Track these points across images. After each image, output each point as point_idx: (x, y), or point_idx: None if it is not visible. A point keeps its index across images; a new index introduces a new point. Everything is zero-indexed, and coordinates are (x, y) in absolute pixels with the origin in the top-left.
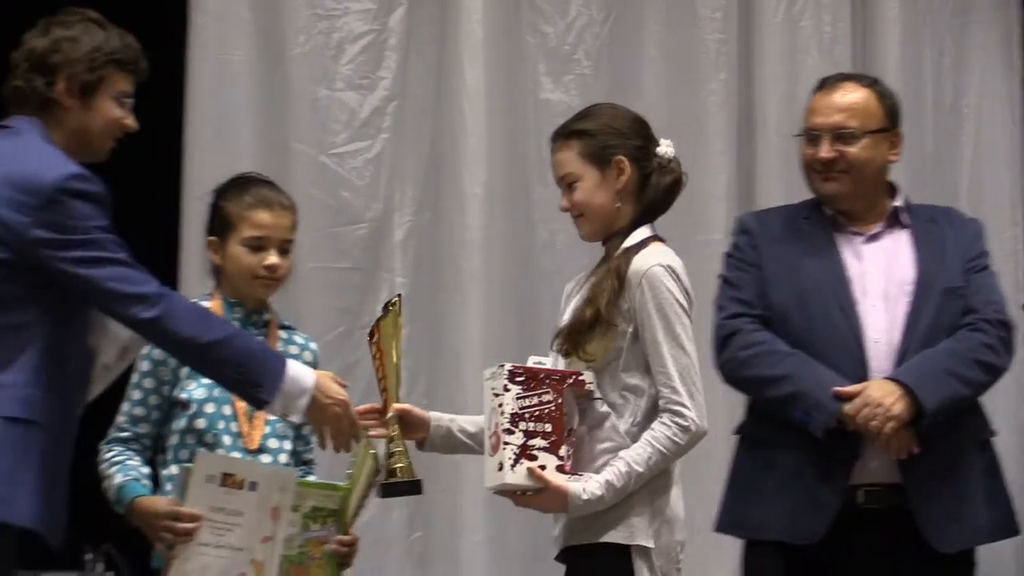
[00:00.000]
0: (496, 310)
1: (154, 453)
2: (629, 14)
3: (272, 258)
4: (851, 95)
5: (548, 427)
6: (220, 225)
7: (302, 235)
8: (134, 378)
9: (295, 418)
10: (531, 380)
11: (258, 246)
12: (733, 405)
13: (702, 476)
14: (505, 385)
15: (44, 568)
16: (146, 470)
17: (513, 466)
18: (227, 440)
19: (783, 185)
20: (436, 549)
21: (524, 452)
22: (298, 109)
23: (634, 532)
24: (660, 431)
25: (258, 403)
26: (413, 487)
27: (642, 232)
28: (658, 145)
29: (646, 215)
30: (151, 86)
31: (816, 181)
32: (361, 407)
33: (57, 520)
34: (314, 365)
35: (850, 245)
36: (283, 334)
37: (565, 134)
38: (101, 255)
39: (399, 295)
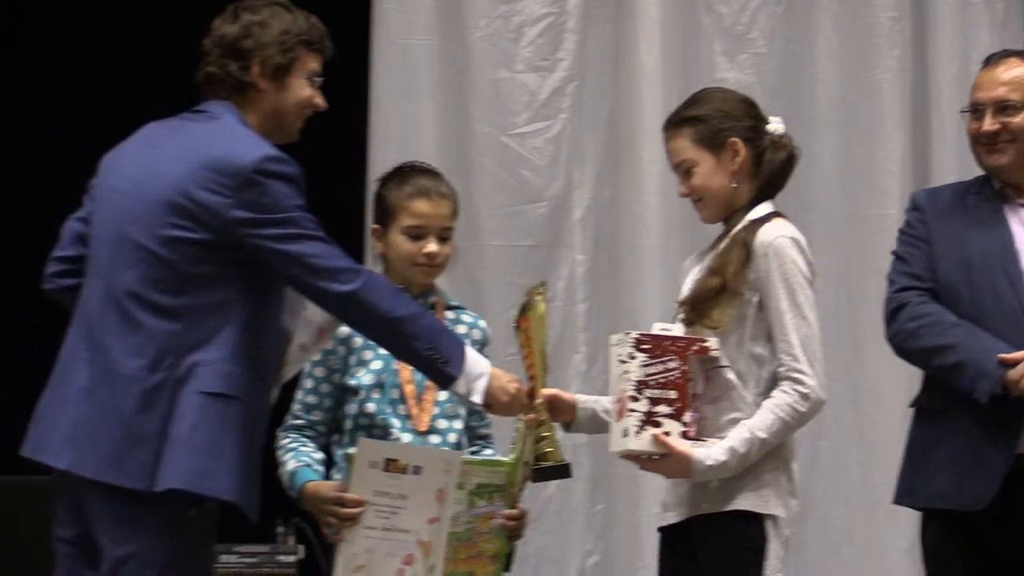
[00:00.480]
0: (674, 286)
1: (329, 437)
2: None
3: (431, 246)
4: (1014, 70)
5: (673, 394)
6: (382, 214)
7: (485, 214)
8: (306, 367)
9: (476, 398)
10: (656, 347)
11: (417, 235)
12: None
13: (881, 450)
14: (631, 352)
15: (237, 541)
16: (319, 455)
17: (637, 432)
18: (397, 423)
19: (957, 161)
20: (618, 521)
21: (649, 419)
22: (480, 91)
23: (768, 501)
24: (781, 399)
25: (447, 378)
26: (562, 471)
27: (763, 208)
28: (768, 123)
29: (764, 192)
30: (336, 72)
31: (982, 154)
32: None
33: (254, 494)
34: (484, 343)
35: (1018, 216)
36: (450, 315)
37: (677, 122)
38: (300, 232)
39: (543, 281)
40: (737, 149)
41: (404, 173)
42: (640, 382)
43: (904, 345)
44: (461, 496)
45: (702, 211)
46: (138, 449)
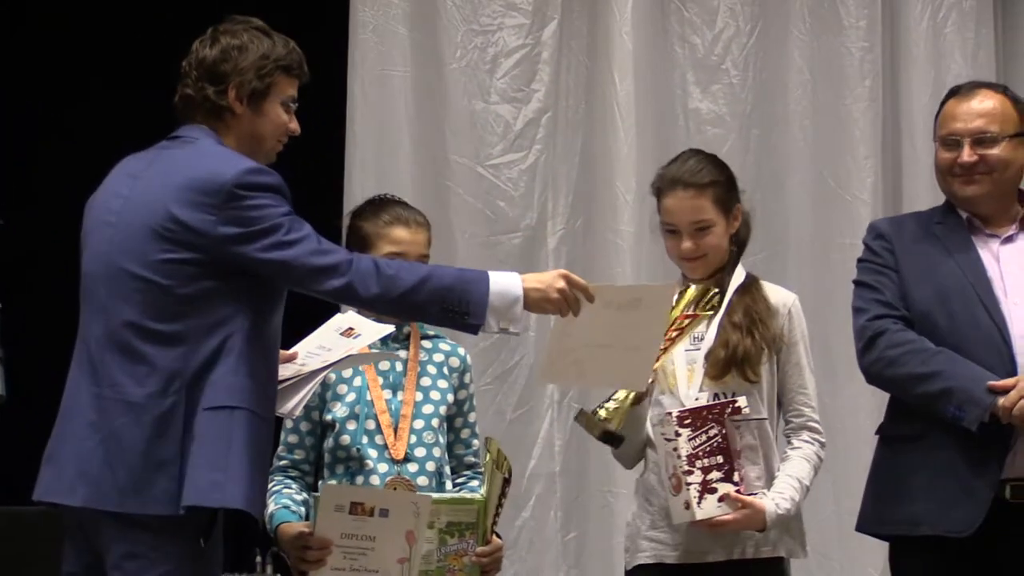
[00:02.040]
0: None
1: (315, 475)
2: (775, 24)
3: None
4: (987, 101)
5: (720, 458)
6: (358, 244)
7: (461, 244)
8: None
9: (515, 328)
10: (696, 419)
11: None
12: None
13: (852, 478)
14: (675, 430)
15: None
16: (300, 496)
17: (699, 503)
18: (373, 453)
19: (929, 188)
20: (591, 549)
21: (705, 487)
22: (456, 122)
23: (802, 546)
24: (808, 449)
25: (470, 328)
26: (618, 441)
27: (741, 268)
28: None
29: (740, 253)
30: (313, 101)
31: (955, 185)
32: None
33: (262, 502)
34: (462, 372)
35: (986, 247)
36: (427, 343)
37: (704, 183)
38: (288, 237)
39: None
40: (737, 215)
41: (378, 203)
42: (690, 456)
43: (884, 373)
44: (431, 535)
45: (699, 268)
46: (160, 475)
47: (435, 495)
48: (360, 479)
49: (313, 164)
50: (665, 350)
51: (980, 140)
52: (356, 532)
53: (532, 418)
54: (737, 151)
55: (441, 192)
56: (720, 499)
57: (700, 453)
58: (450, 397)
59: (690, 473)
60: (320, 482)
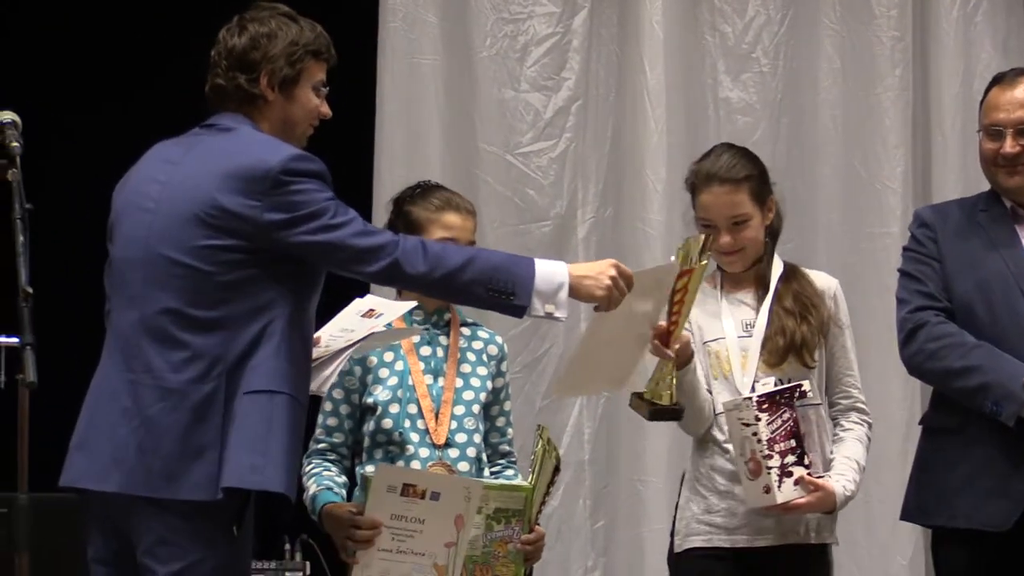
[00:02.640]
0: None
1: (352, 459)
2: (806, 12)
3: None
4: None
5: (793, 442)
6: (408, 229)
7: (490, 232)
8: (325, 390)
9: (560, 313)
10: (772, 404)
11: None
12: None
13: (882, 466)
14: (755, 415)
15: None
16: (341, 479)
17: (779, 486)
18: (415, 437)
19: (959, 179)
20: (619, 538)
21: (783, 471)
22: (485, 110)
23: (832, 533)
24: (860, 431)
25: (516, 311)
26: (676, 413)
27: (778, 258)
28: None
29: (774, 243)
30: (343, 90)
31: (999, 175)
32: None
33: (296, 488)
34: (500, 359)
35: None
36: (466, 331)
37: (740, 178)
38: (335, 221)
39: (708, 235)
40: (771, 207)
41: (426, 189)
42: (770, 440)
43: (924, 366)
44: (479, 520)
45: (737, 262)
46: (198, 461)
47: (486, 481)
48: (400, 463)
49: (342, 152)
50: (675, 320)
51: (1023, 130)
52: (406, 514)
53: (562, 406)
54: (767, 140)
55: (470, 181)
56: (796, 482)
57: (777, 437)
58: (489, 384)
59: (770, 457)
60: (357, 467)
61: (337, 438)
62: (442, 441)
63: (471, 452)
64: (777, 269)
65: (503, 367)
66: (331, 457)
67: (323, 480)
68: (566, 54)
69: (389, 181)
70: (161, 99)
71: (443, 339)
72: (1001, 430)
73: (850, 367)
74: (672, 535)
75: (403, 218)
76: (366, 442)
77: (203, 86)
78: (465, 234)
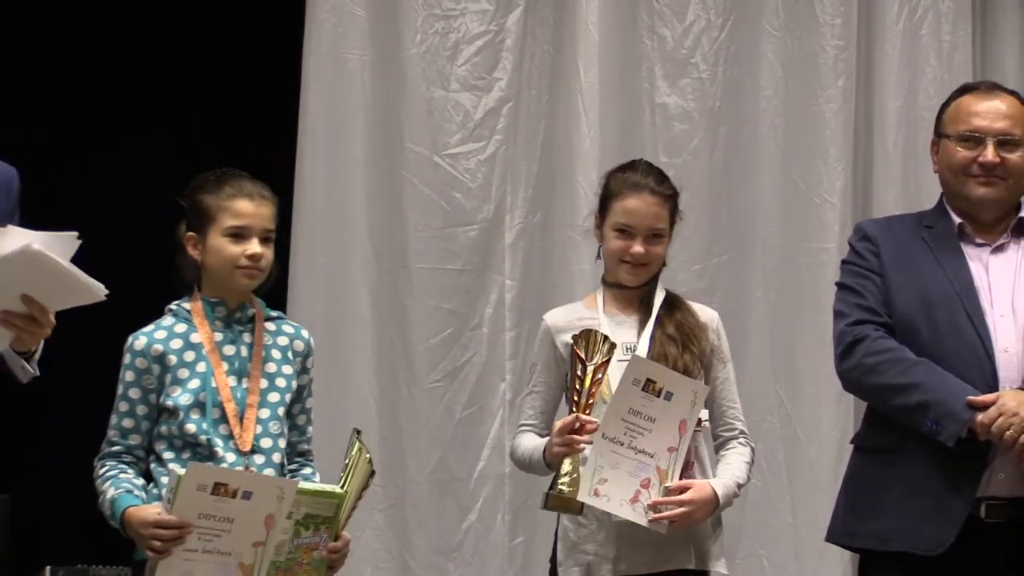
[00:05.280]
0: None
1: (148, 461)
2: (747, 18)
3: (255, 247)
4: (1009, 103)
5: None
6: (199, 219)
7: (413, 236)
8: (119, 389)
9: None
10: None
11: (239, 235)
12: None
13: (813, 489)
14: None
15: (96, 562)
16: (139, 481)
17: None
18: (219, 443)
19: (900, 194)
20: (538, 556)
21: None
22: (413, 109)
23: (725, 562)
24: (746, 452)
25: None
26: (578, 507)
27: (661, 285)
28: None
29: (660, 271)
30: (265, 84)
31: (969, 185)
32: (562, 423)
33: None
34: (306, 356)
35: (976, 255)
36: (270, 325)
37: (667, 195)
38: None
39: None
40: (672, 231)
41: (221, 176)
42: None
43: (862, 381)
44: (287, 525)
45: (640, 275)
46: None
47: (301, 483)
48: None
49: (262, 147)
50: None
51: (1004, 142)
52: (215, 513)
53: (483, 418)
54: (704, 148)
55: (395, 182)
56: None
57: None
58: (294, 383)
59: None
60: (153, 466)
61: (133, 440)
62: (248, 448)
63: (276, 458)
64: (660, 295)
65: (308, 363)
66: (127, 460)
67: (121, 483)
68: (499, 53)
69: (311, 178)
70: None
71: (247, 336)
72: (938, 450)
73: (733, 400)
74: (553, 562)
75: (194, 207)
76: (161, 445)
77: None
78: (259, 222)
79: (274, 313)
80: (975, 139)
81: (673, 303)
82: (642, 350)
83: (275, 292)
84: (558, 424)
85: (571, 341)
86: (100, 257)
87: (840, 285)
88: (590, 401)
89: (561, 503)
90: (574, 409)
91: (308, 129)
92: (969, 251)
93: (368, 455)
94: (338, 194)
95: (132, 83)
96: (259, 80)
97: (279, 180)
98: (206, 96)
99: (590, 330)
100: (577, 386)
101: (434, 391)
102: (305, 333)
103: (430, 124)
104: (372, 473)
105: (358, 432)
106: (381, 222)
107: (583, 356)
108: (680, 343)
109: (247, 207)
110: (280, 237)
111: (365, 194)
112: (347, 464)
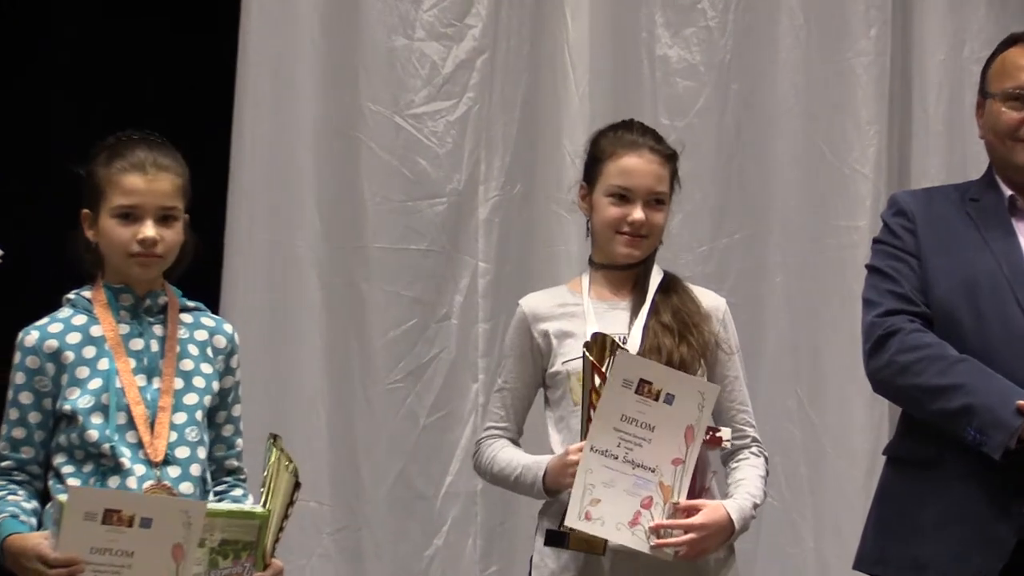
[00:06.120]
0: None
1: (46, 477)
2: None
3: (147, 230)
4: None
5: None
6: (92, 195)
7: (372, 209)
8: (9, 394)
9: None
10: None
11: (129, 215)
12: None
13: (839, 506)
14: None
15: None
16: (31, 504)
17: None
18: (126, 452)
19: (943, 163)
20: None
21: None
22: (371, 61)
23: None
24: (760, 464)
25: None
26: (602, 545)
27: (658, 266)
28: None
29: (656, 249)
30: (200, 28)
31: (1018, 150)
32: (577, 447)
33: None
34: (229, 353)
35: None
36: (187, 317)
37: (669, 154)
38: None
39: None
40: (670, 207)
41: (116, 144)
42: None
43: (894, 381)
44: (201, 555)
45: (639, 248)
46: None
47: (210, 504)
48: (115, 481)
49: (195, 104)
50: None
51: None
52: (110, 546)
53: (451, 424)
54: (712, 109)
55: (350, 145)
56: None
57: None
58: (215, 385)
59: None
60: (52, 482)
61: (25, 453)
62: (160, 457)
63: (195, 470)
64: (656, 278)
65: (233, 362)
66: (18, 478)
67: (6, 506)
68: None
69: (250, 141)
70: None
71: (158, 329)
72: (984, 464)
73: (743, 400)
74: None
75: (87, 181)
76: (60, 459)
77: None
78: (152, 199)
79: (191, 303)
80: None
81: (670, 286)
82: (634, 340)
83: (208, 275)
84: (575, 447)
85: (584, 350)
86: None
87: (871, 268)
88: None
89: (585, 543)
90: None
91: (248, 83)
92: (1021, 228)
93: (291, 464)
94: (282, 160)
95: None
96: (191, 25)
97: (214, 142)
98: (127, 40)
99: (604, 336)
100: (595, 401)
101: (394, 393)
102: (228, 327)
103: (391, 79)
104: (297, 485)
105: (274, 437)
106: (332, 193)
107: (601, 367)
108: (677, 333)
109: (137, 183)
110: (215, 210)
111: (314, 160)
112: (265, 477)
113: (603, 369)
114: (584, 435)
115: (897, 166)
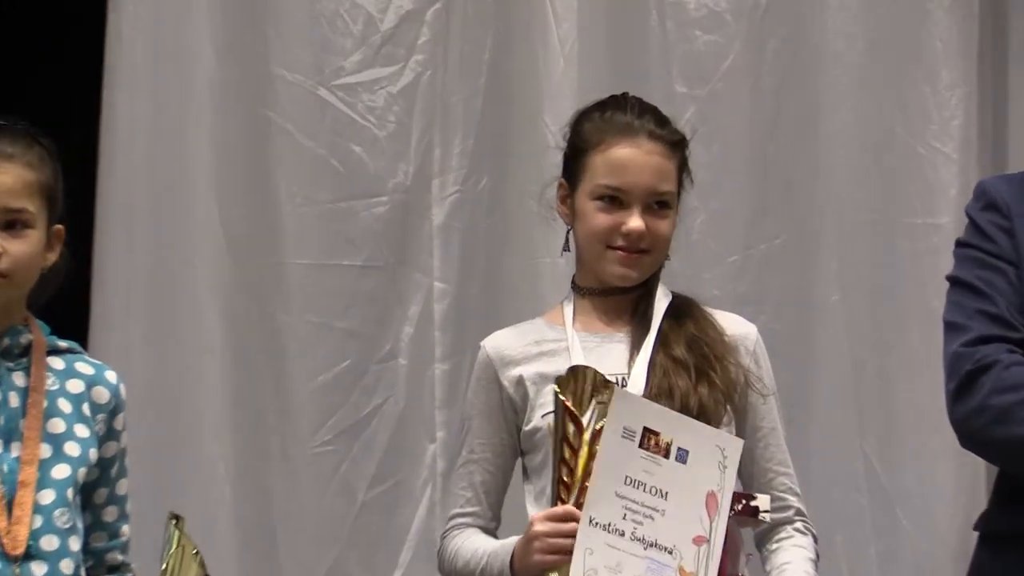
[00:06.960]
0: None
1: None
2: None
3: None
4: None
5: None
6: None
7: (290, 212)
8: None
9: None
10: None
11: None
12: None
13: None
14: None
15: None
16: None
17: None
18: None
19: None
20: None
21: None
22: (285, 17)
23: None
24: (808, 544)
25: None
26: None
27: (663, 286)
28: None
29: (661, 267)
30: None
31: None
32: (546, 514)
33: None
34: (113, 410)
35: None
36: (57, 363)
37: (676, 141)
38: None
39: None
40: (677, 212)
41: None
42: None
43: (989, 433)
44: None
45: (638, 267)
46: None
47: None
48: None
49: (60, 74)
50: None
51: None
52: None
53: (400, 499)
54: (743, 72)
55: (258, 126)
56: None
57: None
58: (93, 453)
59: None
60: None
61: None
62: (20, 550)
63: (66, 567)
64: (663, 301)
65: (117, 423)
66: None
67: None
68: None
69: (126, 122)
70: None
71: (18, 378)
72: None
73: (783, 460)
74: None
75: None
76: None
77: None
78: None
79: (63, 343)
80: None
81: (683, 310)
82: (636, 381)
83: (70, 305)
84: (539, 516)
85: (555, 388)
86: None
87: (954, 281)
88: (587, 484)
89: None
90: (563, 496)
91: (124, 46)
92: None
93: (195, 550)
94: (169, 148)
95: None
96: None
97: (79, 129)
98: None
99: (585, 370)
100: (568, 457)
101: (323, 459)
102: (111, 376)
103: (312, 40)
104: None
105: (176, 518)
106: (236, 193)
107: (576, 411)
108: (694, 370)
109: None
110: (79, 216)
111: (210, 149)
112: (165, 570)
113: (581, 416)
114: (555, 500)
115: (991, 144)
